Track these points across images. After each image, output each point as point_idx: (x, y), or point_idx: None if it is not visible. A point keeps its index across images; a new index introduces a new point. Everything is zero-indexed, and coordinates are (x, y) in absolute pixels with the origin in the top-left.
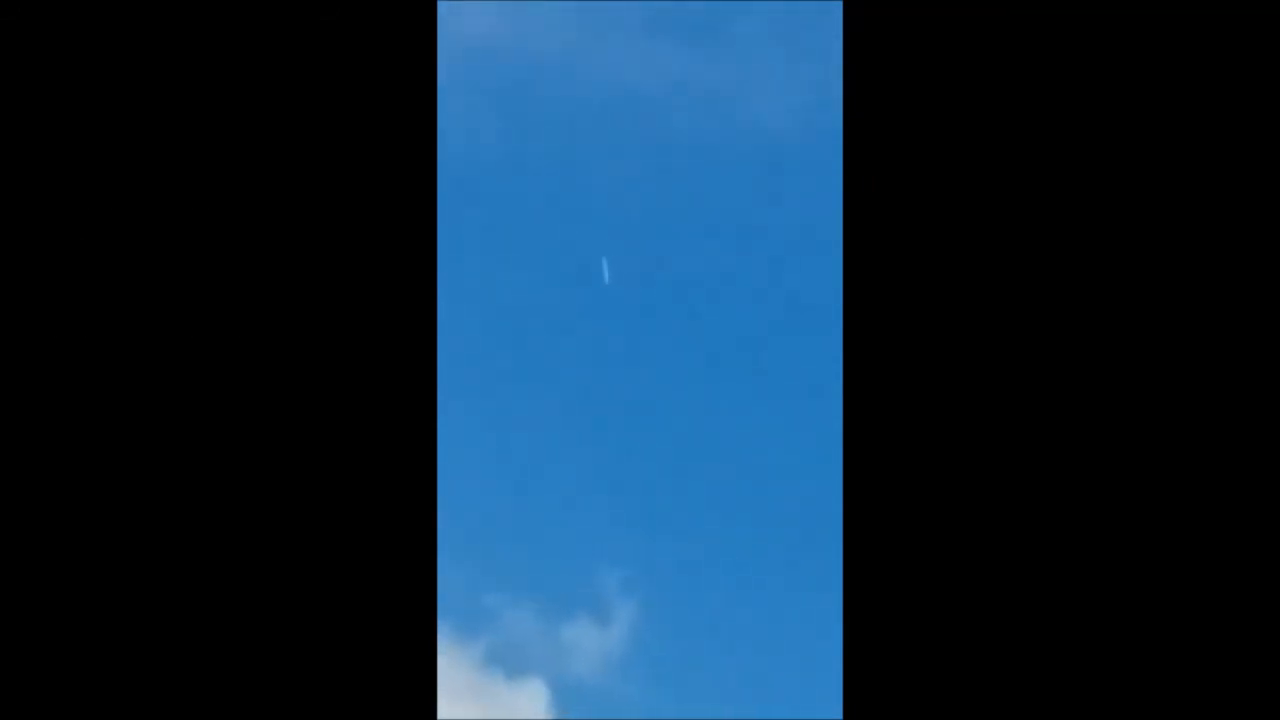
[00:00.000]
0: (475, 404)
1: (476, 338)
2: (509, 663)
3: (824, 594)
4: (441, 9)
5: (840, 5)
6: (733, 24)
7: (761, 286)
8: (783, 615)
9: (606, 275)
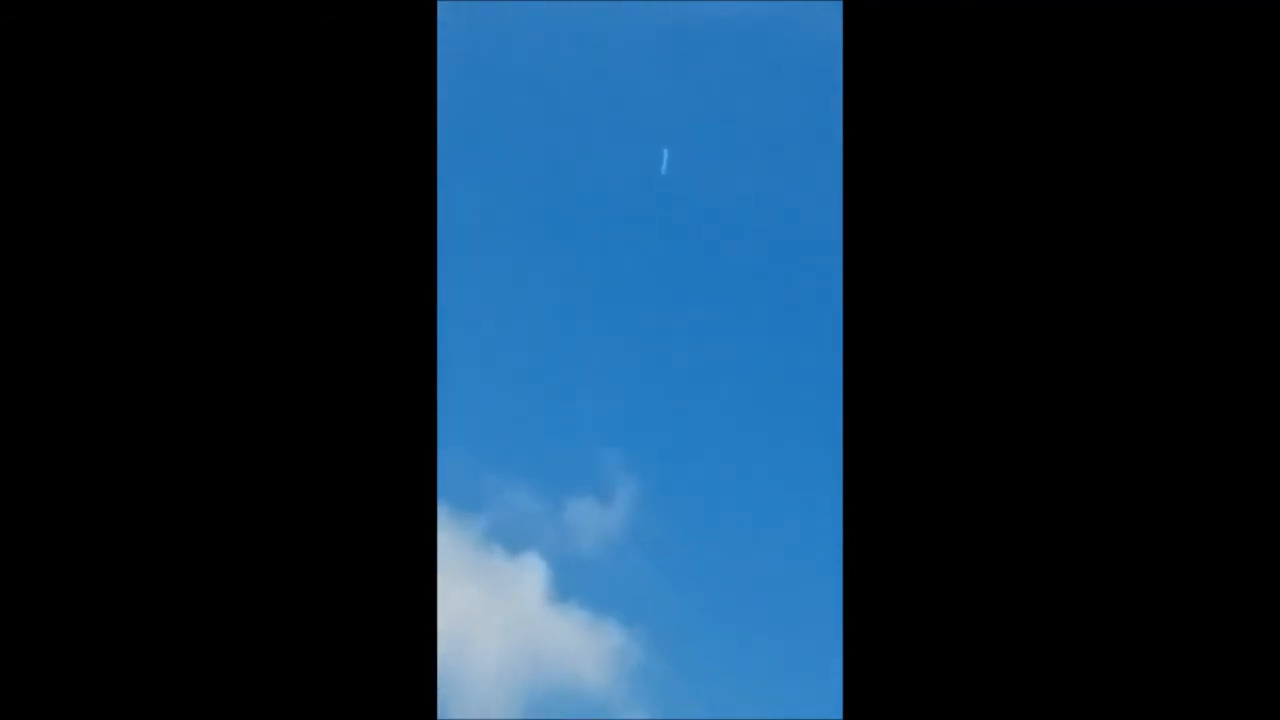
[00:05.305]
0: (475, 290)
1: (477, 224)
2: (509, 539)
3: (821, 480)
4: None
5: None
6: None
7: (767, 178)
8: (779, 498)
9: (665, 166)
